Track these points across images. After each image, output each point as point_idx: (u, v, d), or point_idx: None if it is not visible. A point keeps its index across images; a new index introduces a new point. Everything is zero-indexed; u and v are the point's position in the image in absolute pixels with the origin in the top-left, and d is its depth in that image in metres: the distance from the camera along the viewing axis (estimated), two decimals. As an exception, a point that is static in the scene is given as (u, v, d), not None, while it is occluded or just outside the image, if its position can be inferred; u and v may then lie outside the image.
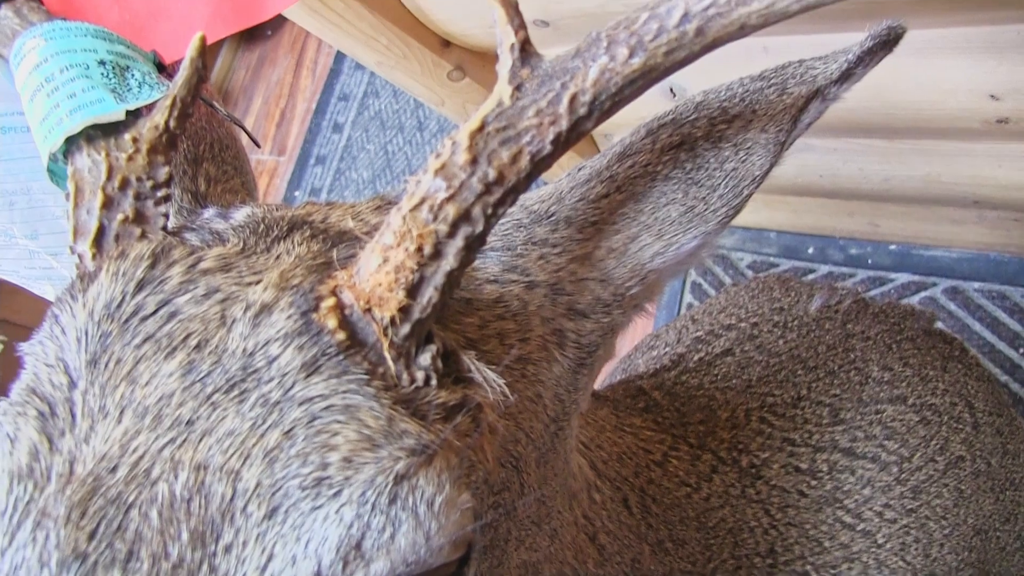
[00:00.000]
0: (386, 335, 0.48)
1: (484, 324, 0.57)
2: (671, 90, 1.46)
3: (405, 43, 1.44)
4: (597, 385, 1.15)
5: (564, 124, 0.52)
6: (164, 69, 0.74)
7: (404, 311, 0.48)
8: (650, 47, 0.52)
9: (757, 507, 1.00)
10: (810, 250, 1.97)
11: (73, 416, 0.49)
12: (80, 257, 0.58)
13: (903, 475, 1.07)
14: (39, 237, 0.77)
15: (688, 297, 2.07)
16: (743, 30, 0.53)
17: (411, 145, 2.99)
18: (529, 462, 0.60)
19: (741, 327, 1.24)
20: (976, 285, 1.77)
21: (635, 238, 0.63)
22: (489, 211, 0.50)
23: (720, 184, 0.62)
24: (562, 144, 0.53)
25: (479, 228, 0.50)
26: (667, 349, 1.28)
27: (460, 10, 1.36)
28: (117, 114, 0.62)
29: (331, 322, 0.47)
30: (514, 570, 0.62)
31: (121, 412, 0.48)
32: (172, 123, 0.63)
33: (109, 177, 0.60)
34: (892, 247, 1.87)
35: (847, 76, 0.62)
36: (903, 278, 1.85)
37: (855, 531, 1.04)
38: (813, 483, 1.05)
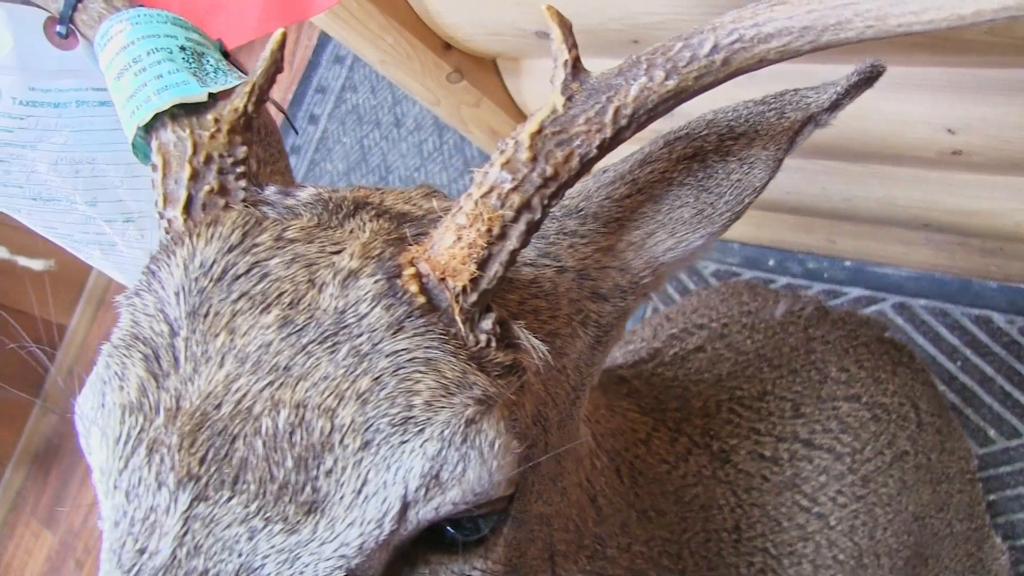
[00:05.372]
0: (457, 302, 0.57)
1: (523, 301, 0.66)
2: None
3: (410, 44, 1.52)
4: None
5: (608, 132, 0.61)
6: (228, 56, 0.81)
7: (474, 282, 0.57)
8: (683, 72, 0.62)
9: (725, 487, 1.10)
10: (771, 262, 2.10)
11: (176, 360, 0.56)
12: (170, 222, 0.66)
13: (855, 465, 1.19)
14: (97, 205, 0.84)
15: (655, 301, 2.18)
16: (761, 63, 0.63)
17: (387, 140, 3.05)
18: (553, 424, 0.69)
19: (712, 327, 1.35)
20: (922, 302, 1.91)
21: (652, 234, 0.72)
22: (546, 201, 0.59)
23: (726, 192, 0.72)
24: (605, 148, 0.62)
25: (537, 215, 0.59)
26: (643, 344, 1.38)
27: (466, 17, 1.45)
28: (201, 96, 0.70)
29: (413, 287, 0.56)
30: (533, 519, 0.71)
31: (222, 358, 0.55)
32: (250, 107, 0.70)
33: (195, 152, 0.67)
34: (847, 263, 2.01)
35: (836, 106, 0.73)
36: (855, 292, 1.98)
37: (811, 513, 1.15)
38: (775, 469, 1.16)
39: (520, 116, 1.74)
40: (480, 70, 1.66)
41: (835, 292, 2.00)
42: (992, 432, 1.78)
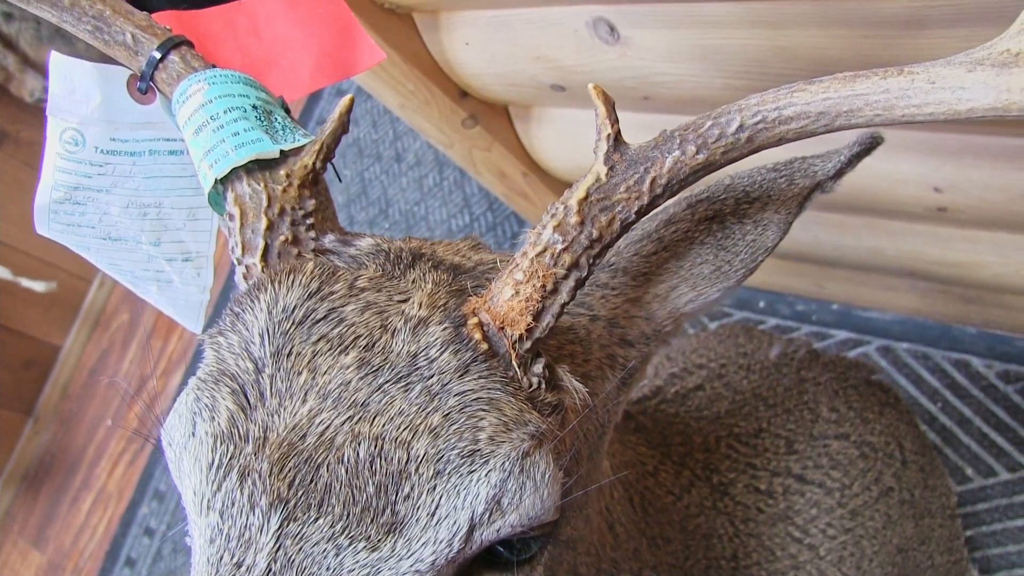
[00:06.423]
0: (514, 348, 0.64)
1: (561, 346, 0.74)
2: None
3: (429, 91, 1.60)
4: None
5: (645, 199, 0.69)
6: (288, 111, 0.88)
7: (529, 331, 0.65)
8: (712, 147, 0.70)
9: (724, 518, 1.18)
10: (761, 304, 2.19)
11: (262, 394, 0.63)
12: (248, 268, 0.73)
13: (844, 499, 1.27)
14: (160, 245, 0.91)
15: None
16: (781, 141, 0.71)
17: (388, 175, 3.13)
18: (583, 456, 0.77)
19: (711, 367, 1.43)
20: (905, 345, 2.00)
21: (675, 288, 0.80)
22: (591, 260, 0.67)
23: (742, 251, 0.80)
24: (642, 214, 0.71)
25: (584, 273, 0.67)
26: (645, 381, 1.46)
27: (487, 68, 1.54)
28: (274, 152, 0.77)
29: (477, 335, 0.63)
30: (562, 543, 0.78)
31: (305, 394, 0.62)
32: (318, 164, 0.78)
33: (269, 205, 0.75)
34: (834, 306, 2.10)
35: (840, 174, 0.82)
36: (842, 335, 2.07)
37: (802, 544, 1.23)
38: (770, 502, 1.24)
39: (528, 159, 1.83)
40: (493, 116, 1.74)
41: (822, 334, 2.09)
42: (970, 471, 1.87)
